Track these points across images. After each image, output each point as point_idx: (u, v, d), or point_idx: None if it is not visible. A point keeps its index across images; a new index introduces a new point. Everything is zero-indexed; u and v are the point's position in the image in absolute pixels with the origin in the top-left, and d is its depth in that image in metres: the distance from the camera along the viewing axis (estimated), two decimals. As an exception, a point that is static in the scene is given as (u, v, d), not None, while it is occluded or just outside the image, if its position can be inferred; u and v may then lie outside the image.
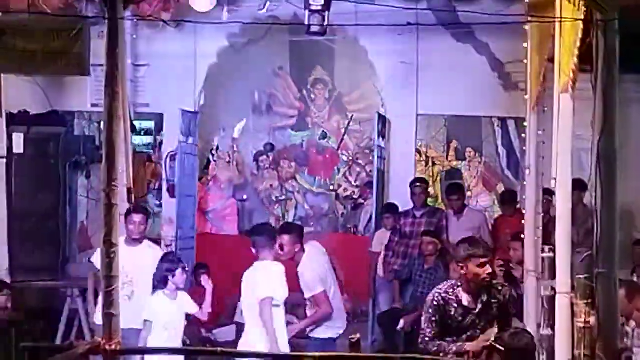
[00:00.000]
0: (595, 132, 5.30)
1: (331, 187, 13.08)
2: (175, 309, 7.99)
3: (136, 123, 11.36)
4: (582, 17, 6.13)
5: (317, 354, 6.13)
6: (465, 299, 6.73)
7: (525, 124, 10.01)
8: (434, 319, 6.69)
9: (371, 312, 10.87)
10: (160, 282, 7.88)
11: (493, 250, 10.70)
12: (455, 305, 6.73)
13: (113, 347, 5.10)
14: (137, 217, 8.42)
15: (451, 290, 6.78)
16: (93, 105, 10.95)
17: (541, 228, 9.23)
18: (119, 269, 5.28)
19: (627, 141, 5.73)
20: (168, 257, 8.42)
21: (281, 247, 8.17)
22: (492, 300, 6.82)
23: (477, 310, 6.75)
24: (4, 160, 9.94)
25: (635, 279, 8.70)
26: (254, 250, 7.99)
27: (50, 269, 10.24)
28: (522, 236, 9.80)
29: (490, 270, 6.78)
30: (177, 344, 8.03)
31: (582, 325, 7.00)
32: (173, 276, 7.86)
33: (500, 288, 7.05)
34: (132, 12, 7.35)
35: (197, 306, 8.31)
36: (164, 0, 9.88)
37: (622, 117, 5.54)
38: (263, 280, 7.80)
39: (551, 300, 8.00)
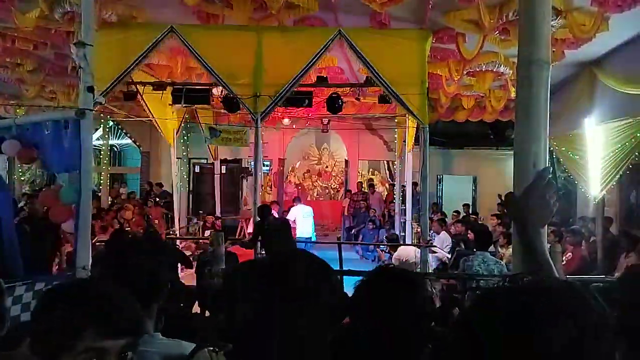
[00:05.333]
0: (420, 167, 5.25)
1: (328, 185, 12.90)
2: None
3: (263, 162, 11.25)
4: (415, 125, 6.10)
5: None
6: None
7: (395, 163, 10.01)
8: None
9: (342, 228, 10.69)
10: None
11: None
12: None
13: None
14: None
15: None
16: (249, 156, 10.83)
17: (400, 199, 9.16)
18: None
19: (430, 171, 5.63)
20: None
21: None
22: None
23: None
24: (218, 175, 9.90)
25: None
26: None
27: (233, 212, 10.16)
28: (394, 202, 9.75)
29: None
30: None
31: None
32: None
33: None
34: (262, 124, 7.24)
35: None
36: (271, 120, 9.80)
37: (430, 162, 5.48)
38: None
39: (404, 225, 7.90)
